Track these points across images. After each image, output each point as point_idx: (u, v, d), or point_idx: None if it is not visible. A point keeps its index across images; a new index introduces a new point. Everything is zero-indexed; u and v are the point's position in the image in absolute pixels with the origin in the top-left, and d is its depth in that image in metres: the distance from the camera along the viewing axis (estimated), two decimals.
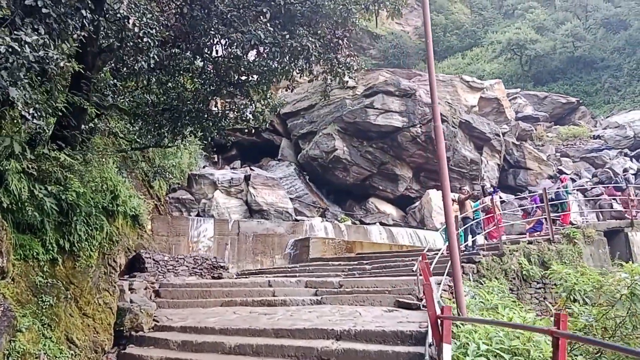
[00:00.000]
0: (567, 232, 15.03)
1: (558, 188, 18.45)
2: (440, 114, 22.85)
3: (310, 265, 15.82)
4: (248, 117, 10.97)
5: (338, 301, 10.04)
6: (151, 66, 8.11)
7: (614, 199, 20.58)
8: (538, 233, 16.18)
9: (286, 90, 28.21)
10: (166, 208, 18.98)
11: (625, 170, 21.40)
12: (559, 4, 53.94)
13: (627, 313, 7.31)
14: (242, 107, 11.48)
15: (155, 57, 7.82)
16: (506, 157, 27.05)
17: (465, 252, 13.67)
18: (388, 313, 8.59)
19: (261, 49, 9.20)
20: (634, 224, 15.70)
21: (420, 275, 12.04)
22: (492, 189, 17.28)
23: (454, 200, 14.38)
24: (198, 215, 19.20)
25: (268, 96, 11.68)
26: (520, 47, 49.74)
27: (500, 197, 18.00)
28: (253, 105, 11.49)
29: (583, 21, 51.74)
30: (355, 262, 15.35)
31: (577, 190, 23.94)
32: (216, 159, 25.73)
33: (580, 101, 41.39)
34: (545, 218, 15.29)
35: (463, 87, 27.47)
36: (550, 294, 14.03)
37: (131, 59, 9.04)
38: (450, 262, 12.75)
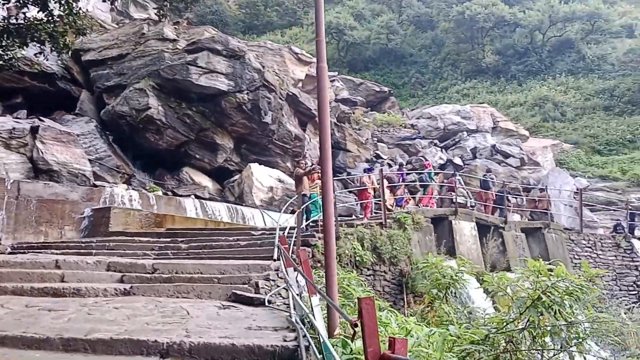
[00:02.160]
0: (398, 217, 14.39)
1: (422, 173, 18.90)
2: (269, 82, 21.22)
3: (110, 240, 13.01)
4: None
5: (154, 292, 7.71)
6: None
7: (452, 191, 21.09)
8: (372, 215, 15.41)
9: (90, 34, 24.23)
10: None
11: (488, 170, 22.38)
12: None
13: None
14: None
15: None
16: None
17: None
18: (225, 311, 6.56)
19: None
20: (457, 212, 15.64)
21: (257, 259, 10.19)
22: (366, 167, 17.01)
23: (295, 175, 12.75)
24: None
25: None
26: (339, 32, 50.25)
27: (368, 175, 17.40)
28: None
29: (397, 15, 54.07)
30: (168, 239, 12.98)
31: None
32: None
33: (391, 92, 43.01)
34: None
35: (292, 59, 26.11)
36: (379, 281, 13.23)
37: None
38: (294, 243, 11.18)
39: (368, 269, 12.86)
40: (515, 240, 16.52)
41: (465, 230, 15.59)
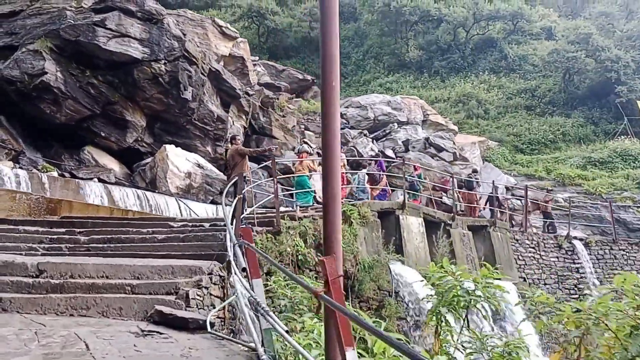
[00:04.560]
0: (344, 210, 12.50)
1: (412, 176, 17.65)
2: (191, 53, 18.66)
3: None
4: None
5: (36, 307, 5.31)
6: None
7: (444, 192, 19.47)
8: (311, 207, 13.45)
9: None
10: None
11: (475, 171, 20.96)
12: None
13: None
14: None
15: None
16: (251, 121, 24.09)
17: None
18: (147, 341, 4.33)
19: None
20: (405, 206, 14.00)
21: (182, 258, 7.90)
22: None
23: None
24: None
25: None
26: (260, 16, 47.93)
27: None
28: None
29: (316, 4, 52.38)
30: (63, 230, 10.37)
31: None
32: None
33: (314, 80, 41.31)
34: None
35: (215, 32, 23.55)
36: (321, 284, 11.26)
37: None
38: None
39: (311, 270, 10.90)
40: (462, 238, 15.16)
41: (413, 226, 14.00)
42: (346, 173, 16.38)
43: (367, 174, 16.47)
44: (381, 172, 16.97)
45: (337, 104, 3.82)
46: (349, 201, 14.00)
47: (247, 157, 10.74)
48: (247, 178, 10.62)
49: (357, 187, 15.78)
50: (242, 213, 9.03)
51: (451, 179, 17.33)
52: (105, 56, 16.97)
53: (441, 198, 18.56)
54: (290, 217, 10.88)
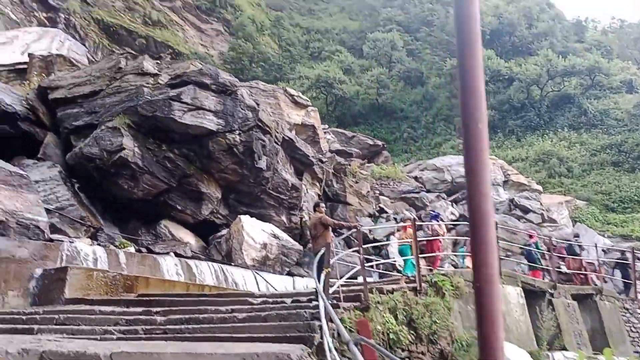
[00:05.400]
0: (435, 280, 11.39)
1: (528, 245, 16.53)
2: (264, 122, 18.50)
3: (62, 311, 9.79)
4: None
5: None
6: None
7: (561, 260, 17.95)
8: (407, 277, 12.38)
9: (60, 71, 21.47)
10: None
11: (576, 236, 19.62)
12: (366, 51, 54.48)
13: None
14: None
15: None
16: (325, 189, 23.55)
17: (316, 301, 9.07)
18: None
19: None
20: (501, 274, 12.67)
21: (266, 341, 7.06)
22: (432, 213, 14.45)
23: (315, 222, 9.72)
24: None
25: None
26: (328, 86, 48.67)
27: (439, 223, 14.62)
28: None
29: (387, 70, 52.72)
30: (139, 310, 9.81)
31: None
32: None
33: (385, 145, 40.90)
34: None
35: (287, 101, 23.63)
36: None
37: None
38: None
39: (403, 350, 9.75)
40: (567, 309, 13.56)
41: (510, 297, 12.62)
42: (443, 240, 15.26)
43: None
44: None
45: (486, 151, 2.93)
46: (439, 270, 12.87)
47: (330, 227, 9.93)
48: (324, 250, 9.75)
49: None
50: (327, 289, 8.16)
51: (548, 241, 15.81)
52: (180, 129, 17.01)
53: (559, 267, 16.72)
54: (378, 290, 9.88)
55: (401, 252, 13.67)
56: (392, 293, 9.91)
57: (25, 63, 23.78)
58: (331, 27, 63.92)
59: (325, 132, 34.49)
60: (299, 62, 57.21)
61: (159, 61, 19.56)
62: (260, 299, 10.08)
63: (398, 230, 12.57)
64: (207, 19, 54.66)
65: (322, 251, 9.22)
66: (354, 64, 53.15)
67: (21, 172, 14.30)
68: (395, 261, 18.63)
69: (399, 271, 19.20)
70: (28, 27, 31.56)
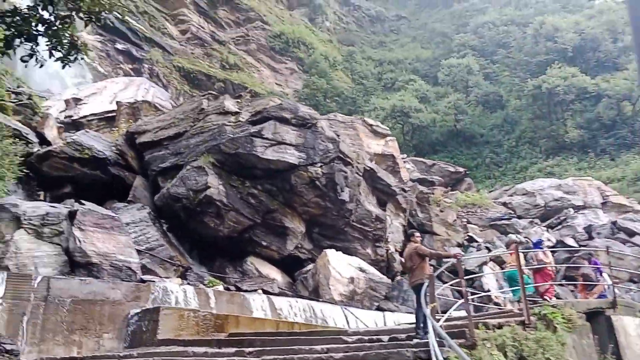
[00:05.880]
0: (544, 313, 10.41)
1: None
2: (345, 153, 18.18)
3: (155, 353, 9.68)
4: None
5: None
6: None
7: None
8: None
9: (146, 116, 22.24)
10: None
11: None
12: (441, 78, 53.60)
13: None
14: None
15: None
16: (409, 219, 22.82)
17: (416, 338, 8.41)
18: None
19: None
20: (616, 305, 11.50)
21: None
22: (536, 240, 13.56)
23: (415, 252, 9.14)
24: None
25: None
26: (404, 115, 48.03)
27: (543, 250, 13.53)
28: None
29: (464, 96, 51.51)
30: (231, 350, 9.54)
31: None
32: (42, 197, 18.72)
33: (467, 172, 39.61)
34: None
35: (366, 132, 23.33)
36: None
37: None
38: None
39: None
40: None
41: (629, 328, 11.39)
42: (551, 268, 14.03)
43: (581, 275, 14.06)
44: (598, 271, 14.11)
45: None
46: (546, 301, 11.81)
47: (427, 258, 9.28)
48: (420, 283, 9.04)
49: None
50: (435, 327, 7.50)
51: None
52: (263, 165, 17.00)
53: None
54: (484, 325, 9.08)
55: (510, 278, 12.68)
56: (500, 328, 9.09)
57: (113, 111, 24.94)
58: (403, 57, 63.56)
59: (404, 162, 33.88)
60: (373, 94, 57.09)
61: (239, 100, 19.84)
62: (354, 337, 9.54)
63: (497, 258, 11.59)
64: (281, 59, 55.83)
65: (425, 284, 8.59)
66: (429, 92, 52.32)
67: (113, 214, 14.65)
68: (490, 292, 17.57)
69: (496, 303, 18.08)
70: (115, 78, 33.27)
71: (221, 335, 11.61)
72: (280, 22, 57.49)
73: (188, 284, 14.87)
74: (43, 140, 19.90)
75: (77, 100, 27.00)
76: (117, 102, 25.15)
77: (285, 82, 57.60)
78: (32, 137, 19.15)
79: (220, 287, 15.14)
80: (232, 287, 15.85)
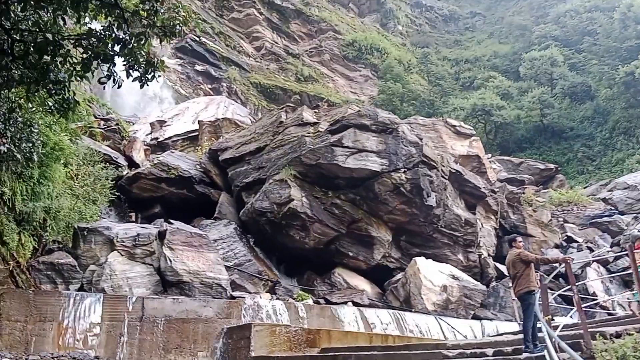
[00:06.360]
0: None
1: None
2: (429, 157, 17.53)
3: None
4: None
5: None
6: None
7: None
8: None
9: (227, 133, 22.56)
10: (31, 278, 12.38)
11: None
12: (523, 72, 51.36)
13: None
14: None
15: None
16: (501, 221, 21.72)
17: (526, 352, 7.73)
18: None
19: None
20: None
21: None
22: None
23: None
24: (81, 289, 12.62)
25: None
26: (485, 113, 46.33)
27: None
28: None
29: (549, 89, 49.01)
30: None
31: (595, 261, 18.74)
32: (134, 218, 19.35)
33: (559, 168, 37.56)
34: None
35: (448, 133, 22.54)
36: None
37: None
38: None
39: None
40: None
41: None
42: None
43: None
44: None
45: None
46: None
47: (532, 265, 8.53)
48: (534, 292, 8.27)
49: None
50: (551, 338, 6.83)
51: None
52: (344, 174, 16.69)
53: None
54: (600, 334, 8.23)
55: None
56: (618, 337, 8.21)
57: (196, 130, 25.54)
58: (481, 54, 61.62)
59: (490, 162, 32.58)
60: (451, 95, 55.66)
61: (316, 110, 19.70)
62: (455, 351, 8.96)
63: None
64: (355, 67, 55.59)
65: (536, 293, 7.90)
66: (510, 88, 50.27)
67: (200, 232, 14.81)
68: (597, 297, 16.31)
69: (603, 307, 16.76)
70: (196, 98, 34.24)
71: (314, 351, 11.34)
72: (352, 30, 57.31)
73: (277, 298, 14.76)
74: (131, 163, 20.60)
75: (161, 123, 27.92)
76: (199, 122, 25.74)
77: (361, 89, 57.27)
78: (121, 160, 19.84)
79: (310, 301, 14.92)
80: (322, 300, 15.61)
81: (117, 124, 23.87)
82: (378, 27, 62.63)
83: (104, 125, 23.15)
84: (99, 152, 18.20)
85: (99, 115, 24.99)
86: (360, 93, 56.76)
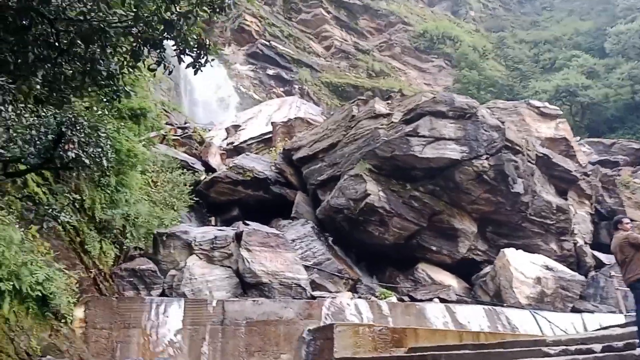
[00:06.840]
0: None
1: None
2: (512, 141, 16.43)
3: None
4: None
5: None
6: None
7: None
8: None
9: (300, 132, 22.33)
10: (114, 285, 12.55)
11: None
12: (609, 48, 48.16)
13: None
14: None
15: None
16: (596, 206, 20.17)
17: None
18: None
19: None
20: None
21: None
22: None
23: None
24: (163, 294, 12.66)
25: None
26: (570, 94, 43.80)
27: None
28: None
29: (639, 64, 45.64)
30: None
31: None
32: (213, 222, 19.50)
33: None
34: None
35: (532, 115, 21.18)
36: None
37: None
38: None
39: None
40: None
41: None
42: None
43: None
44: None
45: None
46: None
47: None
48: None
49: None
50: None
51: None
52: (422, 165, 15.95)
53: None
54: None
55: None
56: None
57: (269, 132, 25.56)
58: (561, 33, 58.45)
59: (579, 144, 30.59)
60: (531, 78, 53.13)
61: (389, 101, 19.02)
62: (557, 348, 8.08)
63: None
64: (427, 58, 54.20)
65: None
66: (596, 65, 47.31)
67: (277, 232, 14.55)
68: None
69: None
70: (269, 100, 34.40)
71: (400, 351, 10.74)
72: (422, 21, 55.92)
73: (359, 297, 14.25)
74: (208, 168, 20.82)
75: (236, 127, 28.19)
76: (272, 123, 25.75)
77: (434, 80, 55.77)
78: (198, 166, 20.09)
79: (393, 298, 14.30)
80: (406, 298, 14.94)
81: (193, 131, 24.31)
82: (449, 15, 60.83)
83: (180, 132, 23.62)
84: (176, 158, 18.49)
85: (176, 123, 25.57)
86: (434, 84, 55.24)
